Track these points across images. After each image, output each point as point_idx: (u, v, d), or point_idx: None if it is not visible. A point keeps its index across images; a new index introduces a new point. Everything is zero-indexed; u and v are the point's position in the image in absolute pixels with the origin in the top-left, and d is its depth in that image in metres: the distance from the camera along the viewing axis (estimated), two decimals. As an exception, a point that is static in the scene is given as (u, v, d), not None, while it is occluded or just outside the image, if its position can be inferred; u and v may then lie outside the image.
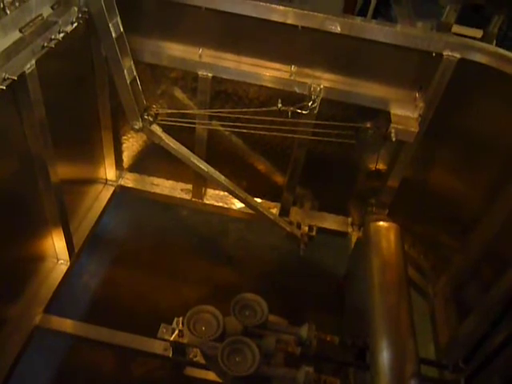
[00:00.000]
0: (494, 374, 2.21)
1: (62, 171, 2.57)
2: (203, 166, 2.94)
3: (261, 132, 2.74)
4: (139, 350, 2.50)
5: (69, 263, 2.81)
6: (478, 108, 2.53)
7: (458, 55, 2.41)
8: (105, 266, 3.17)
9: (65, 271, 2.78)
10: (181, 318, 2.33)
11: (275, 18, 2.48)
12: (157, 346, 2.50)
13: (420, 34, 2.50)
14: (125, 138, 3.26)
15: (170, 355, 2.47)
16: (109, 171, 3.35)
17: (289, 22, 2.47)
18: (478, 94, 2.50)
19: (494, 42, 3.58)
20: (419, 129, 2.60)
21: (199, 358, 2.44)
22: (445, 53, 2.42)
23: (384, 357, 2.26)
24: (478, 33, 3.49)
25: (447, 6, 3.61)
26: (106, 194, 3.32)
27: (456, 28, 3.48)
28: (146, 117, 2.73)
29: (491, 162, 2.59)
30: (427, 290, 3.12)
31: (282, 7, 2.43)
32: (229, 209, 3.40)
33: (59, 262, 2.80)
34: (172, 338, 2.33)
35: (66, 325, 2.63)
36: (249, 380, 2.20)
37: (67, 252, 2.78)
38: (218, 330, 2.29)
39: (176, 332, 2.34)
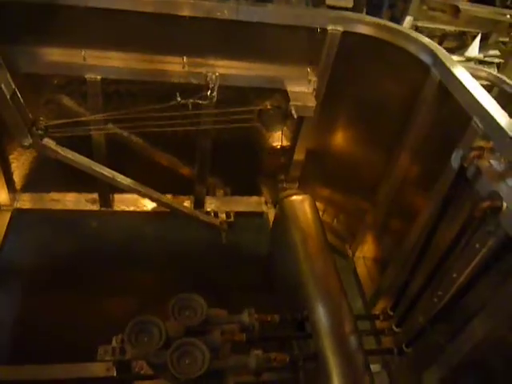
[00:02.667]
0: (419, 315, 2.44)
1: None
2: (107, 172, 2.80)
3: (161, 129, 2.67)
4: (80, 377, 2.35)
5: (-23, 305, 2.54)
6: (366, 75, 2.70)
7: (340, 28, 2.54)
8: (19, 299, 2.89)
9: (-25, 315, 2.50)
10: (120, 335, 2.24)
11: (158, 9, 2.39)
12: (98, 369, 2.37)
13: (302, 11, 2.60)
14: (12, 156, 2.97)
15: (115, 374, 2.37)
16: (0, 195, 3.04)
17: (173, 12, 2.40)
18: (364, 62, 2.67)
19: (364, 9, 3.83)
20: (316, 102, 2.71)
21: (146, 370, 2.38)
22: (328, 27, 2.54)
23: (323, 321, 2.40)
24: (350, 2, 3.69)
25: (316, -21, 3.77)
26: (2, 221, 3.02)
27: (329, 1, 3.65)
28: (34, 131, 2.52)
29: (384, 122, 2.79)
30: (345, 251, 3.33)
31: (165, -2, 2.35)
32: (141, 211, 3.30)
33: (-35, 306, 2.52)
34: (115, 358, 2.23)
35: (-10, 372, 2.39)
36: (202, 378, 2.19)
37: (-27, 294, 2.50)
38: (161, 337, 2.23)
39: (118, 350, 2.24)
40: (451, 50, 4.87)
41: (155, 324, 2.27)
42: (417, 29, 4.54)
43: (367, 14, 2.86)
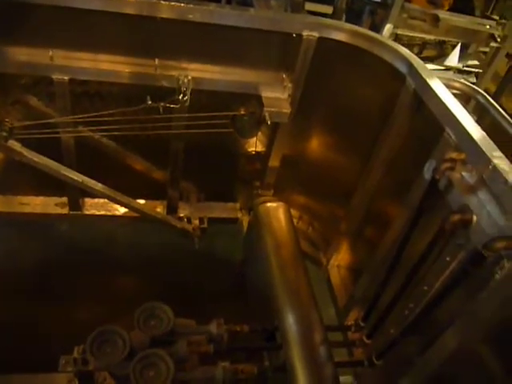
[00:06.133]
0: (390, 326, 2.40)
1: None
2: (76, 176, 2.72)
3: (133, 132, 2.59)
4: (40, 389, 2.27)
5: None
6: (341, 82, 2.67)
7: (316, 34, 2.50)
8: (-20, 306, 2.79)
9: None
10: (82, 346, 2.17)
11: (129, 10, 2.32)
12: (59, 380, 2.30)
13: (278, 16, 2.55)
14: (-23, 157, 2.87)
15: (76, 386, 2.29)
16: (-36, 199, 2.94)
17: (145, 13, 2.33)
18: (340, 69, 2.63)
19: (344, 16, 3.81)
20: (291, 108, 2.67)
21: (109, 381, 2.30)
22: (304, 33, 2.49)
23: (292, 331, 2.37)
24: (329, 9, 3.67)
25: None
26: (-34, 225, 2.92)
27: (308, 6, 3.62)
28: (-1, 133, 2.42)
29: (360, 130, 2.76)
30: (320, 259, 3.29)
31: (135, -1, 2.28)
32: (112, 216, 3.21)
33: None
34: (77, 369, 2.15)
35: None
36: (167, 391, 2.13)
37: None
38: (124, 348, 2.17)
39: (79, 361, 2.17)
40: (431, 59, 4.91)
41: (118, 334, 2.20)
42: (396, 36, 4.56)
43: (348, 20, 2.83)
